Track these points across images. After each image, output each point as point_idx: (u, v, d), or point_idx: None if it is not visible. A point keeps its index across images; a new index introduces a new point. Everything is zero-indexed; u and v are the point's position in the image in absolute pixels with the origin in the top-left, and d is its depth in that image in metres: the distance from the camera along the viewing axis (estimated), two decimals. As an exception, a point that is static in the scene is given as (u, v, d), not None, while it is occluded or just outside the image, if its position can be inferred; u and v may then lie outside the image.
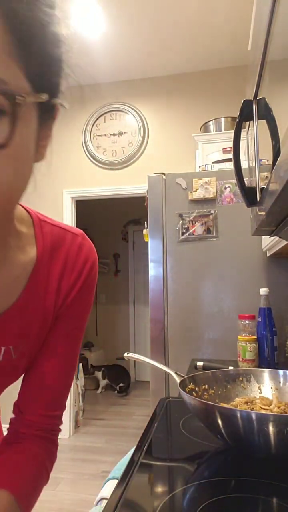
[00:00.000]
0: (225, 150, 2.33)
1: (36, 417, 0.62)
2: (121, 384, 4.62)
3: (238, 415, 0.62)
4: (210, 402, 0.67)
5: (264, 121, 0.71)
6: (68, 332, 0.63)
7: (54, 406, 0.63)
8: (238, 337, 1.58)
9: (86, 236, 0.64)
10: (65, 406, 0.66)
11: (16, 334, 0.56)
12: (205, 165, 2.06)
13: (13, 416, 0.63)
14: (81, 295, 0.61)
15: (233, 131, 0.78)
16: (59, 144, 3.49)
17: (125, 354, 1.03)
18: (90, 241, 0.64)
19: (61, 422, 0.65)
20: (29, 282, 0.56)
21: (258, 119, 0.75)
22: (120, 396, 4.56)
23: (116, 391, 4.66)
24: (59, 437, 0.65)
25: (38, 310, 0.58)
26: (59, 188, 3.46)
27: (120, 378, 4.65)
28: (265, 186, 0.67)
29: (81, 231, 0.63)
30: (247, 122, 0.82)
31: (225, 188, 1.90)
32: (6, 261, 0.53)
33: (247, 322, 1.60)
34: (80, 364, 3.70)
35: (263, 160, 0.80)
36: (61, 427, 0.66)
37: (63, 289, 0.60)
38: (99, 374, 4.62)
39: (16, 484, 0.55)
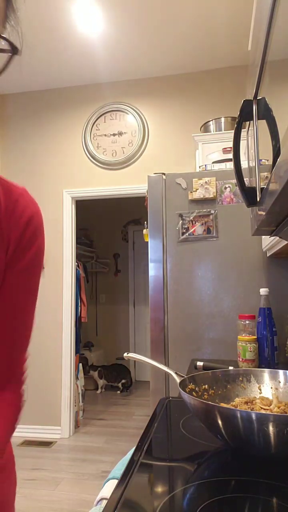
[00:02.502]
0: (225, 150, 2.33)
1: None
2: (123, 381, 4.62)
3: (238, 415, 0.62)
4: (210, 402, 0.67)
5: (264, 121, 0.71)
6: (20, 284, 0.64)
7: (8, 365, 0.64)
8: (238, 337, 1.58)
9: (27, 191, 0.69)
10: (23, 363, 0.67)
11: None
12: (205, 165, 2.06)
13: None
14: (28, 244, 0.64)
15: (233, 131, 0.78)
16: (59, 144, 3.50)
17: (125, 354, 1.03)
18: (30, 195, 0.69)
19: (21, 378, 0.66)
20: None
21: (258, 119, 0.75)
22: (122, 396, 4.56)
23: (118, 391, 4.65)
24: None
25: None
26: (59, 188, 3.46)
27: (120, 376, 4.64)
28: (265, 186, 0.67)
29: (23, 187, 0.68)
30: (247, 122, 0.82)
31: (225, 188, 1.90)
32: None
33: (247, 322, 1.60)
34: (80, 364, 3.69)
35: (263, 160, 0.80)
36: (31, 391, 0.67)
37: (11, 237, 0.62)
38: (95, 374, 4.61)
39: None
